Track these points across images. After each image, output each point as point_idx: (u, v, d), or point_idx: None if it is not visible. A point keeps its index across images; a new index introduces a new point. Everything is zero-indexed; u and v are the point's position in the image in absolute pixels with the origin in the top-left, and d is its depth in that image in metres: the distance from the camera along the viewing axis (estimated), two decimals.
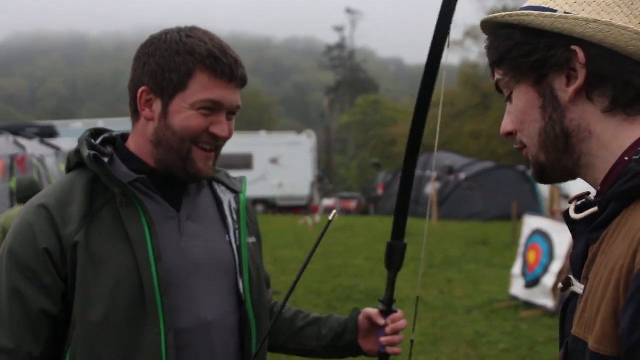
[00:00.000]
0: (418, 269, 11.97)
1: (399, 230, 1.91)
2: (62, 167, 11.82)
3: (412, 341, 1.98)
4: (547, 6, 1.14)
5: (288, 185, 29.39)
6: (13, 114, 77.42)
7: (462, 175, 24.40)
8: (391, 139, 55.33)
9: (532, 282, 8.71)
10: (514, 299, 9.05)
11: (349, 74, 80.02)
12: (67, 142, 13.02)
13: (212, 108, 1.63)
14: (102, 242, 1.58)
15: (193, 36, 1.63)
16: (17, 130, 12.13)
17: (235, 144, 24.14)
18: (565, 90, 1.13)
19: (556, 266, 8.37)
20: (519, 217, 14.31)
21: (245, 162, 28.16)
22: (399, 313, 2.00)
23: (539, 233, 8.98)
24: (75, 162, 1.70)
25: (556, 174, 1.20)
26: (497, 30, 1.21)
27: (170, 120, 1.63)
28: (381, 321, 1.96)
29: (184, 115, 1.62)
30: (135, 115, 1.70)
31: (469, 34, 51.57)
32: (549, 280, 8.41)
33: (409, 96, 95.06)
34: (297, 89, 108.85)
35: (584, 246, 1.15)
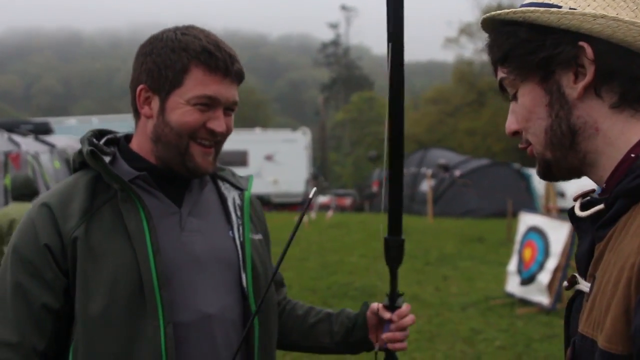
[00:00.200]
0: (414, 266, 11.99)
1: (396, 226, 1.85)
2: (57, 164, 11.81)
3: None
4: (550, 2, 1.13)
5: (283, 182, 29.38)
6: (7, 110, 77.22)
7: (457, 172, 24.43)
8: (383, 137, 55.28)
9: (528, 279, 8.72)
10: (510, 296, 9.05)
11: (344, 71, 79.99)
12: (62, 139, 13.00)
13: (208, 104, 1.65)
14: (102, 238, 1.60)
15: (188, 33, 1.65)
16: (11, 127, 12.10)
17: (230, 141, 23.98)
18: (572, 87, 1.11)
19: (552, 263, 8.37)
20: (514, 214, 14.33)
21: (240, 159, 28.16)
22: (405, 307, 1.94)
23: (534, 230, 8.99)
24: (79, 162, 1.73)
25: (561, 171, 1.19)
26: (500, 27, 1.19)
27: (167, 117, 1.65)
28: (386, 315, 1.92)
29: (180, 110, 1.64)
30: (136, 114, 1.73)
31: (464, 31, 51.64)
32: (544, 277, 8.42)
33: (404, 93, 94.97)
34: (292, 86, 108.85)
35: (589, 244, 1.14)
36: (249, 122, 49.08)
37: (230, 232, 1.80)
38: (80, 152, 1.70)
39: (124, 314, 1.58)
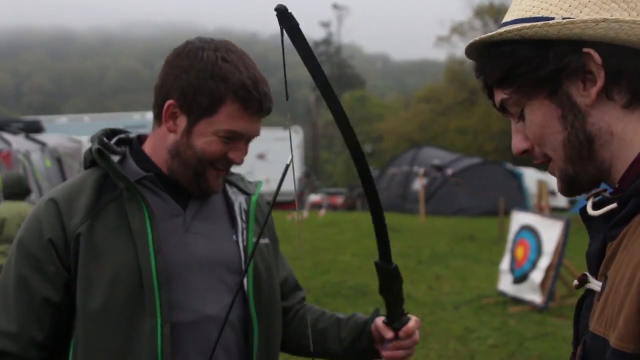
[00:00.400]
0: (406, 265, 11.99)
1: (384, 251, 1.76)
2: (48, 162, 11.75)
3: None
4: (539, 15, 1.11)
5: (275, 181, 29.24)
6: None
7: (449, 171, 24.46)
8: (378, 135, 55.39)
9: (520, 278, 8.73)
10: (502, 294, 9.06)
11: (335, 70, 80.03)
12: (53, 138, 12.93)
13: (234, 137, 1.68)
14: (105, 236, 1.63)
15: (229, 61, 1.64)
16: (2, 126, 12.03)
17: None
18: (583, 95, 1.10)
19: (544, 262, 8.39)
20: (506, 213, 14.36)
21: None
22: (412, 324, 1.84)
23: (527, 229, 9.00)
24: (90, 159, 1.74)
25: (583, 184, 1.17)
26: (492, 49, 1.16)
27: (192, 140, 1.67)
28: (387, 334, 1.84)
29: (206, 139, 1.66)
30: (158, 119, 1.73)
31: (456, 30, 51.67)
32: (537, 275, 8.43)
33: (396, 92, 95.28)
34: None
35: (601, 243, 1.13)
36: None
37: (234, 236, 1.81)
38: (90, 150, 1.72)
39: (123, 311, 1.60)
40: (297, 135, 31.52)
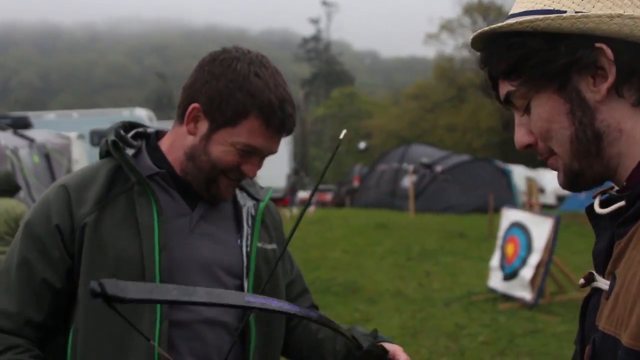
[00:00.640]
0: (396, 261, 12.02)
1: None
2: (36, 158, 11.67)
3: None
4: (551, 8, 1.09)
5: (264, 178, 29.09)
6: None
7: (439, 168, 24.49)
8: (366, 132, 55.43)
9: (510, 275, 8.74)
10: (492, 291, 9.08)
11: (324, 67, 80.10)
12: (41, 134, 12.85)
13: (250, 152, 1.69)
14: (111, 228, 1.64)
15: (261, 76, 1.65)
16: None
17: None
18: (593, 91, 1.08)
19: (534, 259, 8.40)
20: (496, 210, 14.38)
21: None
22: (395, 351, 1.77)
23: (517, 226, 9.01)
24: (105, 150, 1.75)
25: (587, 181, 1.15)
26: (501, 40, 1.14)
27: (209, 147, 1.68)
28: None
29: (223, 148, 1.67)
30: (180, 119, 1.74)
31: (445, 27, 51.74)
32: (527, 272, 8.45)
33: (385, 89, 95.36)
34: None
35: (608, 241, 1.11)
36: None
37: (239, 240, 1.81)
38: (106, 141, 1.73)
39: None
40: None
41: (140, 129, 1.84)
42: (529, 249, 8.57)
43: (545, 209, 14.23)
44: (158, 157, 1.76)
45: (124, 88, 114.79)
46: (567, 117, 1.11)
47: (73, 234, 1.63)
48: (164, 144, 1.79)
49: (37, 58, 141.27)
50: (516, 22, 1.10)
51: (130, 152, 1.73)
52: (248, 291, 1.76)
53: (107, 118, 21.07)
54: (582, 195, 23.52)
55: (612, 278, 1.06)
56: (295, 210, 21.73)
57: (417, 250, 13.36)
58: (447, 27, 51.65)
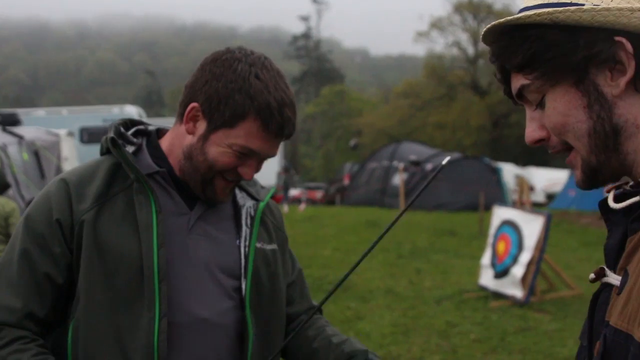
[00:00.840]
0: (387, 259, 12.02)
1: None
2: (25, 156, 11.60)
3: None
4: (567, 1, 1.07)
5: (258, 177, 29.21)
6: None
7: (429, 166, 24.54)
8: (357, 130, 55.47)
9: (502, 273, 8.76)
10: (483, 289, 9.09)
11: (314, 64, 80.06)
12: (30, 131, 12.77)
13: (247, 154, 1.67)
14: (110, 225, 1.63)
15: (261, 79, 1.63)
16: None
17: None
18: (611, 85, 1.06)
19: (525, 257, 8.42)
20: (486, 208, 14.41)
21: None
22: None
23: (508, 224, 9.03)
24: (106, 147, 1.74)
25: (605, 176, 1.13)
26: (517, 32, 1.11)
27: (206, 147, 1.67)
28: None
29: (220, 149, 1.65)
30: (180, 118, 1.72)
31: (435, 25, 51.81)
32: (518, 270, 8.46)
33: (375, 87, 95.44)
34: None
35: (620, 237, 1.10)
36: None
37: (238, 240, 1.79)
38: (107, 138, 1.72)
39: (121, 301, 1.60)
40: None
41: (141, 127, 1.82)
42: (520, 246, 8.59)
43: (535, 207, 14.28)
44: (158, 155, 1.75)
45: (113, 85, 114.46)
46: (584, 111, 1.09)
47: (72, 229, 1.62)
48: (165, 143, 1.77)
49: (25, 55, 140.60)
50: (534, 14, 1.07)
51: (130, 149, 1.72)
52: (246, 292, 1.74)
53: (97, 115, 20.98)
54: (572, 194, 23.64)
55: (624, 274, 1.05)
56: (286, 208, 21.70)
57: (408, 248, 13.39)
58: (437, 25, 51.75)
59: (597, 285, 1.15)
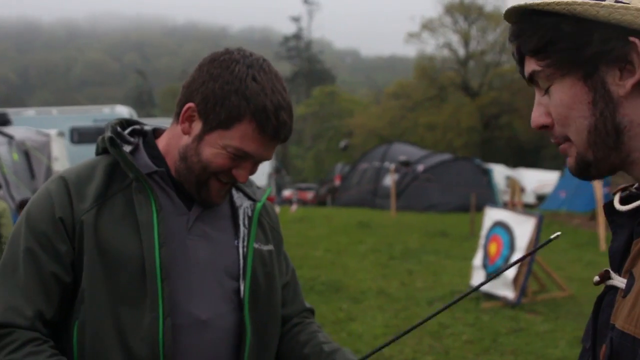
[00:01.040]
0: (379, 260, 12.01)
1: None
2: (15, 156, 11.56)
3: None
4: None
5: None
6: None
7: (421, 167, 24.57)
8: (347, 130, 55.50)
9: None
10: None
11: (305, 65, 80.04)
12: (20, 131, 12.72)
13: (242, 156, 1.66)
14: (110, 225, 1.62)
15: (258, 81, 1.62)
16: None
17: None
18: (618, 84, 1.05)
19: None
20: (477, 209, 14.42)
21: None
22: None
23: (500, 225, 9.03)
24: (102, 147, 1.73)
25: (600, 171, 1.13)
26: (535, 17, 1.11)
27: (201, 148, 1.66)
28: None
29: (215, 151, 1.64)
30: (176, 118, 1.71)
31: (426, 26, 51.91)
32: (510, 271, 8.46)
33: (366, 88, 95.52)
34: None
35: (625, 239, 1.10)
36: None
37: (236, 241, 1.78)
38: (103, 137, 1.72)
39: (124, 301, 1.59)
40: None
41: (136, 126, 1.81)
42: (511, 248, 8.59)
43: (525, 208, 14.32)
44: (156, 155, 1.74)
45: (104, 85, 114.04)
46: (588, 107, 1.08)
47: (74, 227, 1.61)
48: (162, 143, 1.76)
49: (15, 54, 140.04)
50: (553, 2, 1.06)
51: (127, 149, 1.71)
52: (244, 294, 1.73)
53: (88, 115, 20.90)
54: (563, 195, 23.70)
55: (630, 276, 1.05)
56: (277, 209, 21.68)
57: (400, 249, 13.37)
58: (429, 26, 51.85)
59: (588, 286, 1.14)
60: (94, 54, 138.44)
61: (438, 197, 23.36)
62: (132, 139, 1.75)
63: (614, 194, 1.15)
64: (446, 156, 26.88)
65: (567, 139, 1.13)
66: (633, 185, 1.14)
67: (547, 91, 1.14)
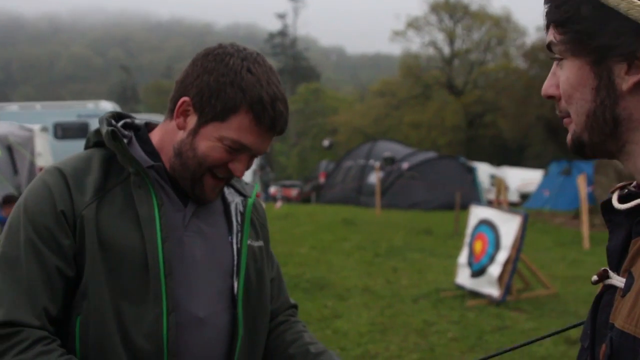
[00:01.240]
0: (364, 258, 12.02)
1: None
2: None
3: None
4: None
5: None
6: None
7: (405, 165, 24.61)
8: (332, 128, 55.52)
9: (478, 272, 8.79)
10: (460, 288, 9.11)
11: (290, 62, 79.99)
12: (3, 126, 12.62)
13: (238, 149, 1.64)
14: (111, 220, 1.59)
15: (253, 73, 1.61)
16: None
17: None
18: (623, 78, 1.05)
19: (502, 256, 8.45)
20: (461, 207, 14.46)
21: None
22: None
23: (485, 223, 9.06)
24: (94, 141, 1.71)
25: (595, 153, 1.14)
26: None
27: (196, 142, 1.64)
28: None
29: (210, 144, 1.63)
30: (170, 113, 1.69)
31: (411, 24, 52.01)
32: (495, 269, 8.49)
33: (350, 85, 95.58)
34: None
35: (623, 238, 1.09)
36: None
37: (229, 237, 1.78)
38: (97, 132, 1.69)
39: (127, 296, 1.57)
40: None
41: (128, 120, 1.79)
42: (497, 246, 8.62)
43: (514, 207, 14.38)
44: (150, 150, 1.72)
45: (87, 80, 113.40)
46: (591, 92, 1.09)
47: (75, 221, 1.57)
48: (155, 138, 1.74)
49: None
50: None
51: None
52: (237, 291, 1.73)
53: (72, 111, 20.77)
54: (546, 194, 23.85)
55: (629, 276, 1.04)
56: (264, 205, 21.66)
57: (385, 247, 13.40)
58: (414, 24, 51.95)
59: (572, 284, 1.14)
60: (78, 49, 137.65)
61: (423, 195, 23.42)
62: (126, 133, 1.72)
63: (612, 192, 1.15)
64: (431, 154, 26.95)
65: (569, 115, 1.14)
66: (631, 183, 1.14)
67: (560, 63, 1.14)
